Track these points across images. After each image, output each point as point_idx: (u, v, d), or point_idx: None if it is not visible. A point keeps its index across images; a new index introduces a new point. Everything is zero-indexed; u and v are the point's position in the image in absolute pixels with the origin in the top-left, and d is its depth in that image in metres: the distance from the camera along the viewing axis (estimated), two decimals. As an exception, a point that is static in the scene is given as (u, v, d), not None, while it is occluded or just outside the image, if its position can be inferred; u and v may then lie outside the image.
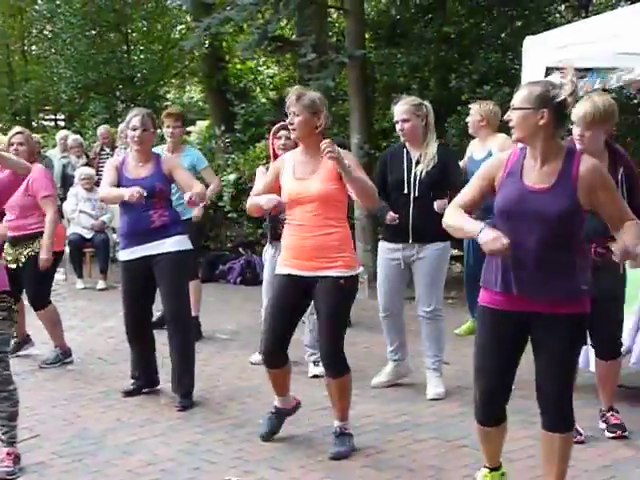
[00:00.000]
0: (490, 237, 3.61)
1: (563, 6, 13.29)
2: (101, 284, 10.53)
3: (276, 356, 4.82)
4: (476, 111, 7.20)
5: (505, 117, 3.84)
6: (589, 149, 4.67)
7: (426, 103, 5.93)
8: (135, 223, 5.72)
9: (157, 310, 6.50)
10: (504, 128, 5.10)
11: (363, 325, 6.85)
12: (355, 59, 10.38)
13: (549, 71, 5.85)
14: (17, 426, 4.67)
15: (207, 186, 7.37)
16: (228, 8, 10.46)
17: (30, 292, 6.74)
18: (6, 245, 6.59)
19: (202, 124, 17.11)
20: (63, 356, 6.88)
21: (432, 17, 11.83)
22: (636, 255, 3.65)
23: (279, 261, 4.93)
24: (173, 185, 6.01)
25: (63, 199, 10.85)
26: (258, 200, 4.84)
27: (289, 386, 5.03)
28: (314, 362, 6.33)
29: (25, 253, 6.58)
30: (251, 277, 10.76)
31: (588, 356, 5.47)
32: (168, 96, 19.50)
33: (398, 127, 5.86)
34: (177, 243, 5.78)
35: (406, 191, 5.81)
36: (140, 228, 5.69)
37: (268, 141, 6.76)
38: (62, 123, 20.17)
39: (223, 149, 13.00)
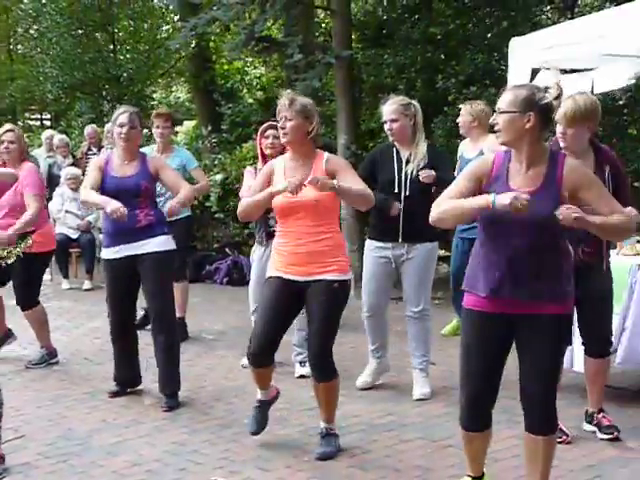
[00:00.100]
0: (510, 197, 3.54)
1: (549, 7, 13.33)
2: (87, 284, 10.51)
3: (265, 357, 4.80)
4: (467, 111, 7.21)
5: (491, 121, 3.85)
6: (572, 147, 4.70)
7: (414, 103, 5.93)
8: (121, 223, 5.69)
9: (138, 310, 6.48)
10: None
11: (349, 325, 6.84)
12: (342, 59, 10.39)
13: (535, 72, 5.89)
14: (2, 427, 4.65)
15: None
16: (215, 8, 10.46)
17: (19, 292, 6.72)
18: None
19: (189, 124, 17.10)
20: (49, 357, 6.86)
21: (418, 18, 11.85)
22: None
23: (270, 265, 4.90)
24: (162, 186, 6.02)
25: (49, 199, 10.81)
26: (263, 194, 4.73)
27: (271, 378, 5.01)
28: (300, 362, 6.33)
29: (14, 252, 6.56)
30: (238, 277, 10.76)
31: (572, 356, 5.50)
32: (155, 96, 19.45)
33: (387, 127, 5.87)
34: (162, 243, 5.77)
35: (397, 190, 5.81)
36: (126, 227, 5.66)
37: (256, 141, 6.76)
38: (48, 123, 20.10)
39: (210, 149, 12.99)
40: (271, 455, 4.84)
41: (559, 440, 4.88)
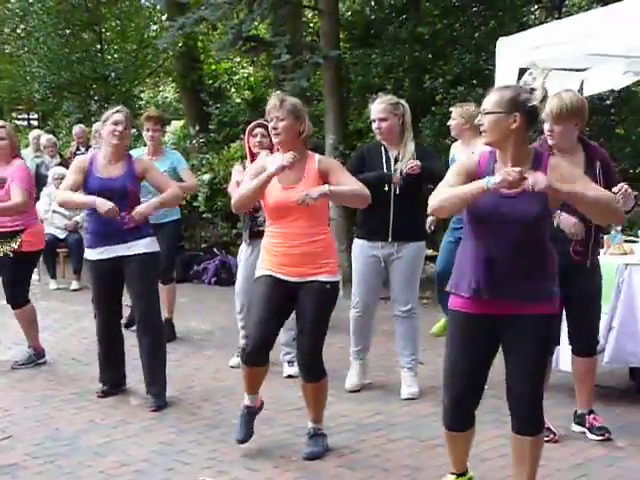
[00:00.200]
0: (501, 174, 3.53)
1: (537, 7, 13.36)
2: (75, 284, 10.49)
3: (260, 356, 4.75)
4: (459, 114, 7.21)
5: (476, 121, 3.86)
6: (561, 144, 4.72)
7: (403, 102, 5.95)
8: (107, 224, 5.67)
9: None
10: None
11: (338, 326, 6.83)
12: (330, 59, 10.39)
13: (522, 71, 5.90)
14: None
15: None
16: (202, 8, 10.44)
17: (8, 291, 6.71)
18: None
19: (177, 124, 17.07)
20: (36, 357, 6.84)
21: (406, 18, 11.85)
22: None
23: (260, 264, 4.85)
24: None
25: (36, 199, 10.77)
26: (258, 180, 4.67)
27: (262, 381, 4.94)
28: (289, 362, 6.33)
29: (2, 250, 6.54)
30: (226, 277, 10.75)
31: (558, 356, 5.51)
32: (142, 96, 19.40)
33: (375, 125, 5.87)
34: (148, 244, 5.77)
35: (387, 189, 5.81)
36: (112, 229, 5.65)
37: (244, 140, 6.76)
38: (35, 122, 20.02)
39: (197, 149, 12.98)
40: (259, 455, 4.84)
41: (546, 439, 4.89)
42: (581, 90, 5.96)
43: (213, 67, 16.75)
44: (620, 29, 5.04)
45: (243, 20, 10.44)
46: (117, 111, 5.74)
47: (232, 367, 6.71)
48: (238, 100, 15.67)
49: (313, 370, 4.79)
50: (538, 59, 5.66)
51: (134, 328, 6.04)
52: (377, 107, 5.87)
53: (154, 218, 7.05)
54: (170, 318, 7.70)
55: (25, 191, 6.52)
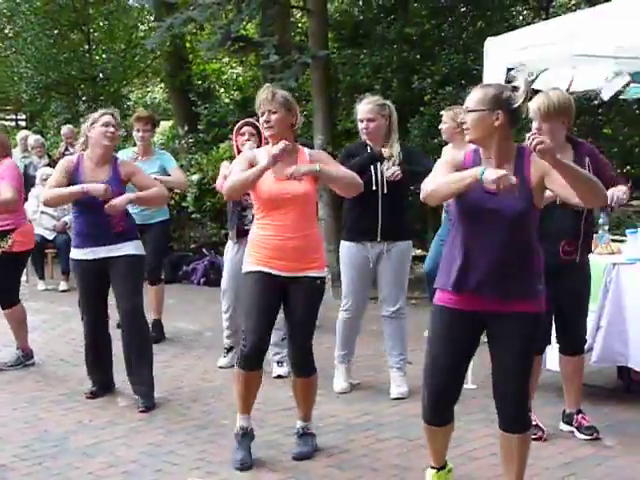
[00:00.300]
0: (498, 174, 3.54)
1: (524, 7, 13.41)
2: (63, 285, 10.47)
3: (257, 358, 4.70)
4: (450, 118, 7.20)
5: (459, 119, 3.87)
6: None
7: (389, 103, 5.97)
8: (95, 227, 5.66)
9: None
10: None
11: (326, 325, 6.85)
12: (318, 59, 10.40)
13: (510, 72, 5.91)
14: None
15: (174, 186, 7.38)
16: (191, 8, 10.44)
17: None
18: None
19: (165, 124, 17.05)
20: (24, 358, 6.82)
21: (394, 18, 11.89)
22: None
23: (249, 259, 4.76)
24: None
25: (25, 199, 10.74)
26: (254, 170, 4.59)
27: (257, 390, 4.82)
28: (278, 362, 6.33)
29: None
30: (215, 278, 10.71)
31: (546, 355, 5.52)
32: (131, 96, 19.38)
33: (362, 126, 5.87)
34: (135, 247, 5.78)
35: (374, 188, 5.81)
36: (101, 232, 5.65)
37: (232, 139, 6.76)
38: (23, 123, 19.96)
39: (186, 149, 12.97)
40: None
41: (534, 437, 4.93)
42: (568, 88, 5.97)
43: (202, 67, 16.74)
44: (607, 30, 5.05)
45: (231, 20, 10.44)
46: (105, 113, 5.72)
47: (221, 367, 6.71)
48: (227, 100, 15.67)
49: (306, 365, 4.79)
50: (526, 59, 5.72)
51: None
52: (364, 107, 5.87)
53: (141, 218, 7.07)
54: (159, 319, 7.69)
55: (15, 188, 6.50)
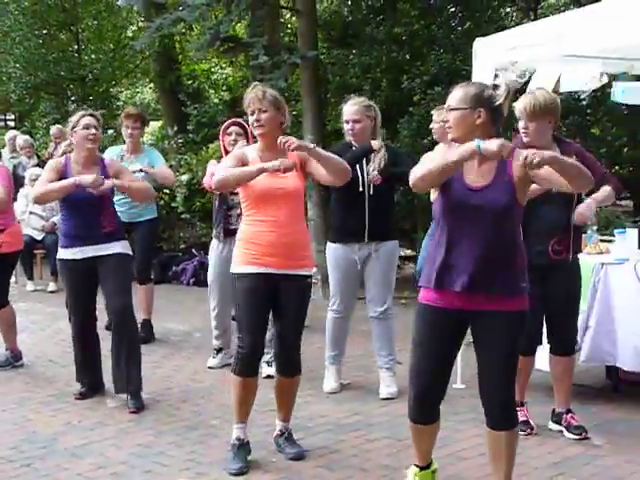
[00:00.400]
0: (497, 143, 3.58)
1: (513, 8, 13.44)
2: (52, 286, 10.44)
3: (255, 360, 4.69)
4: (440, 118, 7.22)
5: (442, 118, 3.90)
6: (535, 142, 4.75)
7: (374, 104, 6.00)
8: (85, 229, 5.66)
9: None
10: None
11: (316, 326, 6.86)
12: (307, 60, 10.41)
13: (498, 72, 5.93)
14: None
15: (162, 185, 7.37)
16: (180, 8, 10.43)
17: None
18: None
19: (155, 125, 17.03)
20: (13, 359, 6.80)
21: (383, 18, 11.89)
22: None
23: (239, 258, 4.70)
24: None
25: (14, 200, 10.71)
26: (252, 168, 4.57)
27: (254, 398, 4.80)
28: (267, 362, 6.32)
29: None
30: (204, 278, 10.58)
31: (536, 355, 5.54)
32: (120, 96, 19.34)
33: (348, 127, 5.88)
34: (123, 247, 5.80)
35: (361, 189, 5.83)
36: (91, 232, 5.65)
37: (219, 139, 6.77)
38: (12, 123, 19.91)
39: (176, 150, 12.95)
40: (238, 456, 4.83)
41: (524, 433, 4.96)
42: (556, 88, 5.99)
43: (191, 68, 16.72)
44: (595, 30, 5.07)
45: (221, 21, 10.44)
46: (85, 115, 5.70)
47: (210, 368, 6.71)
48: (216, 101, 15.65)
49: (296, 364, 4.80)
50: (514, 60, 5.75)
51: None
52: (350, 109, 5.89)
53: (129, 217, 7.08)
54: (148, 319, 7.68)
55: (5, 188, 6.49)
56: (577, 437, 5.02)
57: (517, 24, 11.22)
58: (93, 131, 5.64)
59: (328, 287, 6.21)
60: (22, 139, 12.38)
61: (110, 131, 13.00)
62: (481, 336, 3.85)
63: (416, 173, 3.76)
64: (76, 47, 16.86)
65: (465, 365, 5.45)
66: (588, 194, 5.03)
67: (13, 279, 10.28)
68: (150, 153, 7.76)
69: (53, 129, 12.60)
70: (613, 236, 6.32)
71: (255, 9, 10.65)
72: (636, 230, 6.07)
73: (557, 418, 5.18)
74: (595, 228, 6.05)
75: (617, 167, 12.21)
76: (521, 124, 4.86)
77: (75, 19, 16.59)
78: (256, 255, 4.63)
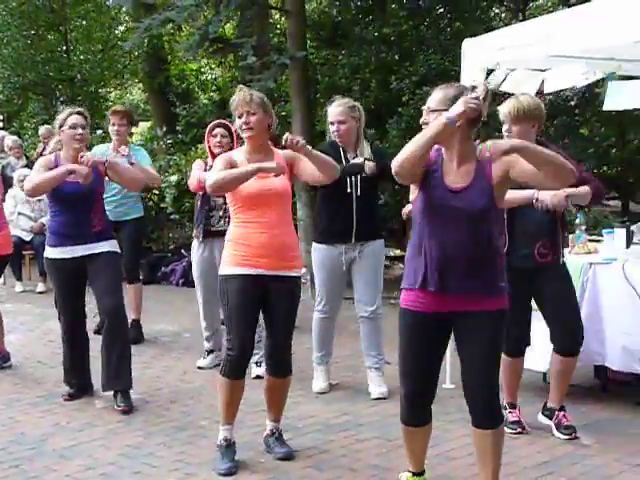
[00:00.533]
0: (461, 102, 3.62)
1: (502, 8, 13.46)
2: (41, 287, 10.40)
3: (243, 364, 4.68)
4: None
5: (422, 120, 3.91)
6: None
7: (359, 105, 6.00)
8: (74, 227, 5.64)
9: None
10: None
11: (306, 326, 6.85)
12: (296, 60, 10.40)
13: (489, 72, 5.95)
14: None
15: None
16: (169, 9, 10.42)
17: None
18: None
19: (144, 125, 17.00)
20: (1, 360, 6.78)
21: (372, 19, 11.90)
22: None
23: (228, 260, 4.70)
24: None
25: (2, 201, 10.67)
26: (248, 168, 4.55)
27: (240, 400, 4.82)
28: (256, 363, 6.32)
29: None
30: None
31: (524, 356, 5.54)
32: (109, 97, 19.30)
33: (333, 128, 5.89)
34: (112, 245, 5.79)
35: (349, 190, 5.83)
36: (81, 231, 5.63)
37: (204, 140, 6.78)
38: (0, 124, 19.85)
39: (165, 150, 12.94)
40: (227, 457, 4.83)
41: (515, 432, 4.98)
42: (541, 89, 6.01)
43: (181, 68, 16.70)
44: (581, 31, 5.09)
45: (210, 21, 10.42)
46: (71, 113, 5.68)
47: (200, 368, 6.70)
48: (205, 101, 15.64)
49: (285, 364, 4.79)
50: (502, 60, 5.77)
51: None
52: (335, 110, 5.90)
53: (115, 215, 7.06)
54: (138, 319, 7.67)
55: None
56: (566, 437, 5.03)
57: (506, 25, 11.24)
58: (80, 131, 5.62)
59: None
60: (11, 140, 12.33)
61: (99, 131, 12.97)
62: (462, 336, 3.87)
63: (397, 159, 3.77)
64: (64, 48, 16.81)
65: (454, 365, 5.44)
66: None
67: (1, 280, 10.30)
68: (137, 152, 7.73)
69: (42, 129, 12.55)
70: (601, 236, 6.34)
71: (244, 9, 10.64)
72: (624, 230, 6.09)
73: (549, 413, 5.17)
74: (583, 228, 6.06)
75: (605, 167, 12.26)
76: (505, 127, 4.89)
77: (63, 20, 16.55)
78: (246, 256, 4.63)
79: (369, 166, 5.79)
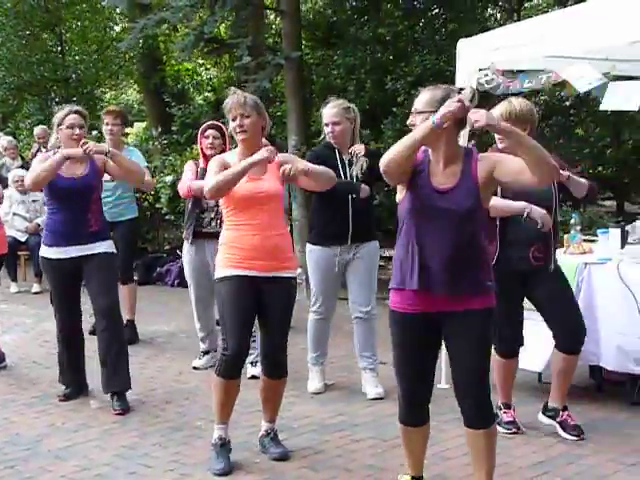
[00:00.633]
0: (446, 106, 3.62)
1: (497, 9, 13.47)
2: (36, 287, 10.39)
3: (239, 363, 4.68)
4: None
5: (409, 121, 3.92)
6: (511, 147, 4.77)
7: (353, 106, 6.00)
8: (71, 225, 5.64)
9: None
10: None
11: (301, 327, 6.85)
12: (292, 60, 10.40)
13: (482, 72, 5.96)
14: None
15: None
16: (164, 9, 10.42)
17: None
18: None
19: (139, 125, 16.99)
20: (-4, 361, 6.78)
21: (367, 19, 11.91)
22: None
23: (222, 263, 4.71)
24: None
25: (-2, 201, 10.68)
26: (240, 166, 4.56)
27: (235, 400, 4.82)
28: (251, 363, 6.32)
29: None
30: (189, 279, 10.69)
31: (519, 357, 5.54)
32: (104, 97, 19.29)
33: (328, 129, 5.89)
34: (108, 246, 5.78)
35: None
36: (76, 231, 5.63)
37: (197, 142, 6.78)
38: (-5, 125, 19.86)
39: (160, 151, 12.92)
40: (222, 457, 4.82)
41: (510, 432, 4.98)
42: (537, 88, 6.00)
43: (176, 68, 16.69)
44: (577, 31, 5.10)
45: (205, 22, 10.42)
46: (69, 112, 5.68)
47: (195, 368, 6.70)
48: (201, 101, 15.63)
49: (281, 365, 4.79)
50: (497, 60, 5.77)
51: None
52: (330, 111, 5.89)
53: (110, 216, 7.04)
54: (132, 320, 7.66)
55: None
56: (575, 438, 5.01)
57: (501, 25, 11.26)
58: (77, 131, 5.62)
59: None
60: (6, 140, 12.32)
61: (94, 132, 12.95)
62: (451, 336, 3.87)
63: (384, 159, 3.79)
64: (59, 48, 16.81)
65: (449, 365, 5.44)
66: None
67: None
68: (131, 153, 7.72)
69: (37, 129, 12.55)
70: (596, 236, 6.35)
71: (239, 10, 10.64)
72: (619, 230, 6.10)
73: (552, 413, 5.14)
74: (578, 228, 6.07)
75: (600, 168, 12.28)
76: None
77: (58, 20, 16.54)
78: (239, 259, 4.64)
79: (365, 190, 5.80)
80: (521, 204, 4.82)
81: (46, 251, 5.75)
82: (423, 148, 3.84)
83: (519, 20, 11.01)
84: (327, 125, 5.89)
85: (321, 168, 4.80)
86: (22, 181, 10.58)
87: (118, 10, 15.99)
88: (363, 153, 5.76)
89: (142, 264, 11.01)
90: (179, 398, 5.97)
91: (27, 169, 11.19)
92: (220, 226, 4.87)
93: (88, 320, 6.42)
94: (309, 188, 4.87)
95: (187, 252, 6.65)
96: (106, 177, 5.91)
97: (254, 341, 5.71)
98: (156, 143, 13.28)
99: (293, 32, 10.85)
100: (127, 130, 13.95)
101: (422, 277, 3.77)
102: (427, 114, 3.75)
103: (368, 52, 11.32)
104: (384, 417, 5.43)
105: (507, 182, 3.85)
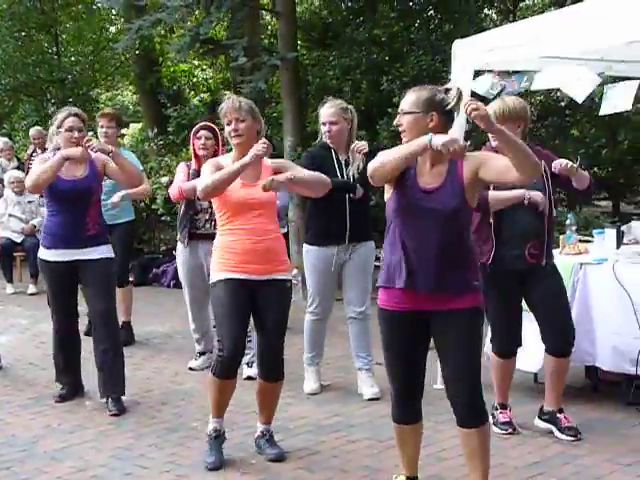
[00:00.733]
0: (446, 138, 3.61)
1: (492, 10, 13.48)
2: (32, 289, 10.38)
3: (234, 364, 4.69)
4: None
5: (395, 122, 3.93)
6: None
7: (351, 107, 6.01)
8: (70, 228, 5.63)
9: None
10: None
11: (297, 327, 6.84)
12: (287, 61, 10.41)
13: (477, 73, 5.95)
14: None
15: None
16: (160, 10, 10.41)
17: None
18: None
19: (135, 126, 16.97)
20: (-8, 362, 6.78)
21: (363, 20, 11.90)
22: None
23: (217, 267, 4.74)
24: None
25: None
26: (233, 167, 4.57)
27: (230, 398, 4.85)
28: (248, 364, 6.32)
29: None
30: (185, 280, 10.68)
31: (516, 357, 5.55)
32: (100, 98, 19.27)
33: (325, 129, 5.89)
34: (107, 250, 5.78)
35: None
36: (75, 233, 5.62)
37: (189, 143, 6.79)
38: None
39: (156, 152, 12.91)
40: (218, 458, 4.82)
41: (506, 432, 4.98)
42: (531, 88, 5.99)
43: (172, 69, 16.68)
44: (573, 32, 5.09)
45: (201, 22, 10.42)
46: (68, 115, 5.67)
47: (191, 369, 6.70)
48: (197, 102, 15.62)
49: (277, 368, 4.79)
50: (492, 61, 5.77)
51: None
52: (327, 111, 5.89)
53: (107, 219, 7.01)
54: (128, 321, 7.66)
55: None
56: (571, 438, 5.01)
57: (496, 26, 11.26)
58: (76, 134, 5.62)
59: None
60: (2, 141, 12.32)
61: (90, 133, 12.95)
62: (440, 336, 3.89)
63: (373, 163, 3.81)
64: (55, 49, 16.79)
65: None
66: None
67: (-8, 282, 10.27)
68: (126, 156, 7.69)
69: (32, 131, 12.53)
70: (592, 236, 6.36)
71: (235, 11, 10.64)
72: (614, 231, 6.10)
73: (548, 417, 5.14)
74: (574, 228, 6.08)
75: (596, 168, 12.29)
76: None
77: (54, 21, 16.53)
78: (234, 263, 4.67)
79: (360, 191, 5.80)
80: (520, 191, 4.83)
81: (44, 253, 5.75)
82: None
83: (515, 21, 11.01)
84: (324, 124, 5.90)
85: (312, 175, 4.79)
86: (18, 182, 10.61)
87: (114, 11, 15.96)
88: (366, 150, 5.74)
89: (138, 265, 11.01)
90: (175, 399, 5.96)
91: (23, 170, 11.25)
92: (214, 227, 4.87)
93: (83, 322, 6.41)
94: (303, 194, 4.88)
95: (181, 253, 6.65)
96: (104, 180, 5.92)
97: (250, 341, 5.72)
98: (152, 144, 13.27)
99: (289, 33, 10.86)
100: (123, 131, 13.97)
101: (408, 276, 3.79)
102: (413, 115, 3.78)
103: (364, 53, 11.32)
104: (380, 418, 5.43)
105: (492, 181, 3.89)
